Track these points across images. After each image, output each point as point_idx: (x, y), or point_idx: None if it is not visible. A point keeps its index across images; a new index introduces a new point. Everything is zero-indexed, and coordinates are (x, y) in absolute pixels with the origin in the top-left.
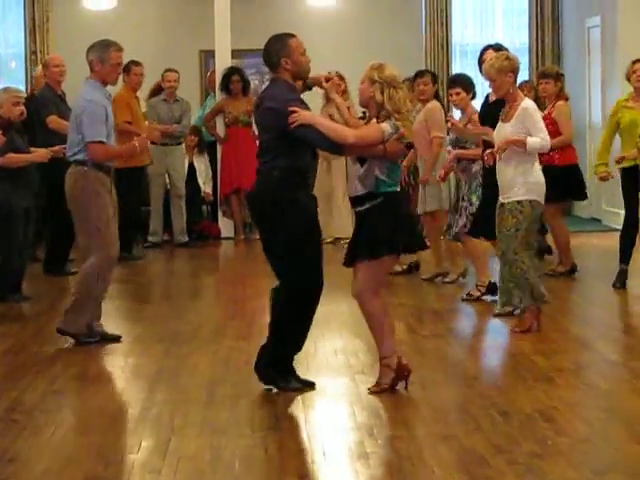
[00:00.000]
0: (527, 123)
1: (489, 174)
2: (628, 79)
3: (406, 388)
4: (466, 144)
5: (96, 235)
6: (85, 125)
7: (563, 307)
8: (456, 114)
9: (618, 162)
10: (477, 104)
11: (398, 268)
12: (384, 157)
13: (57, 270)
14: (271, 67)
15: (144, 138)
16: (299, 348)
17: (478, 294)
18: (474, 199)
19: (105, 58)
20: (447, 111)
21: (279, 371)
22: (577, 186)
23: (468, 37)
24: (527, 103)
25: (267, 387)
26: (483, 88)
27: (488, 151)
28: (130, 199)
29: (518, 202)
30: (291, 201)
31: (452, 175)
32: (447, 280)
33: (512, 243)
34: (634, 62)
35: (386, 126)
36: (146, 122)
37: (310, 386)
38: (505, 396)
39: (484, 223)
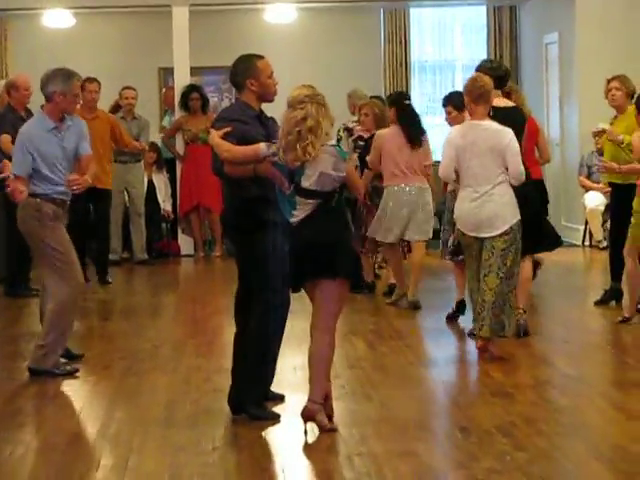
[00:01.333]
0: None
1: None
2: (605, 97)
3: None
4: None
5: (62, 265)
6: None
7: None
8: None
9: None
10: None
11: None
12: (254, 175)
13: (18, 291)
14: (236, 87)
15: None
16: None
17: None
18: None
19: (68, 90)
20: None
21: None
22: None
23: (427, 54)
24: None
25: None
26: None
27: None
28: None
29: None
30: (260, 223)
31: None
32: (388, 301)
33: None
34: (609, 80)
35: (262, 145)
36: None
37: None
38: (464, 412)
39: None
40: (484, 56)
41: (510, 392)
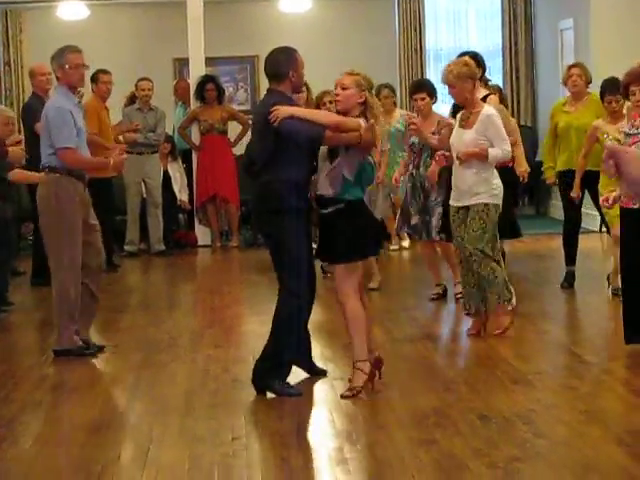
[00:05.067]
0: (489, 131)
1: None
2: (565, 84)
3: (380, 378)
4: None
5: (67, 246)
6: (54, 132)
7: (540, 310)
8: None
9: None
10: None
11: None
12: (358, 145)
13: (43, 281)
14: (277, 77)
15: (121, 158)
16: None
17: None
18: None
19: (63, 63)
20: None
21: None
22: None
23: (442, 41)
24: (489, 110)
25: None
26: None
27: (439, 152)
28: (100, 210)
29: (485, 205)
30: (289, 210)
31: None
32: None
33: (479, 243)
34: (570, 67)
35: (362, 120)
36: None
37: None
38: (484, 400)
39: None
40: (499, 43)
41: (529, 379)
